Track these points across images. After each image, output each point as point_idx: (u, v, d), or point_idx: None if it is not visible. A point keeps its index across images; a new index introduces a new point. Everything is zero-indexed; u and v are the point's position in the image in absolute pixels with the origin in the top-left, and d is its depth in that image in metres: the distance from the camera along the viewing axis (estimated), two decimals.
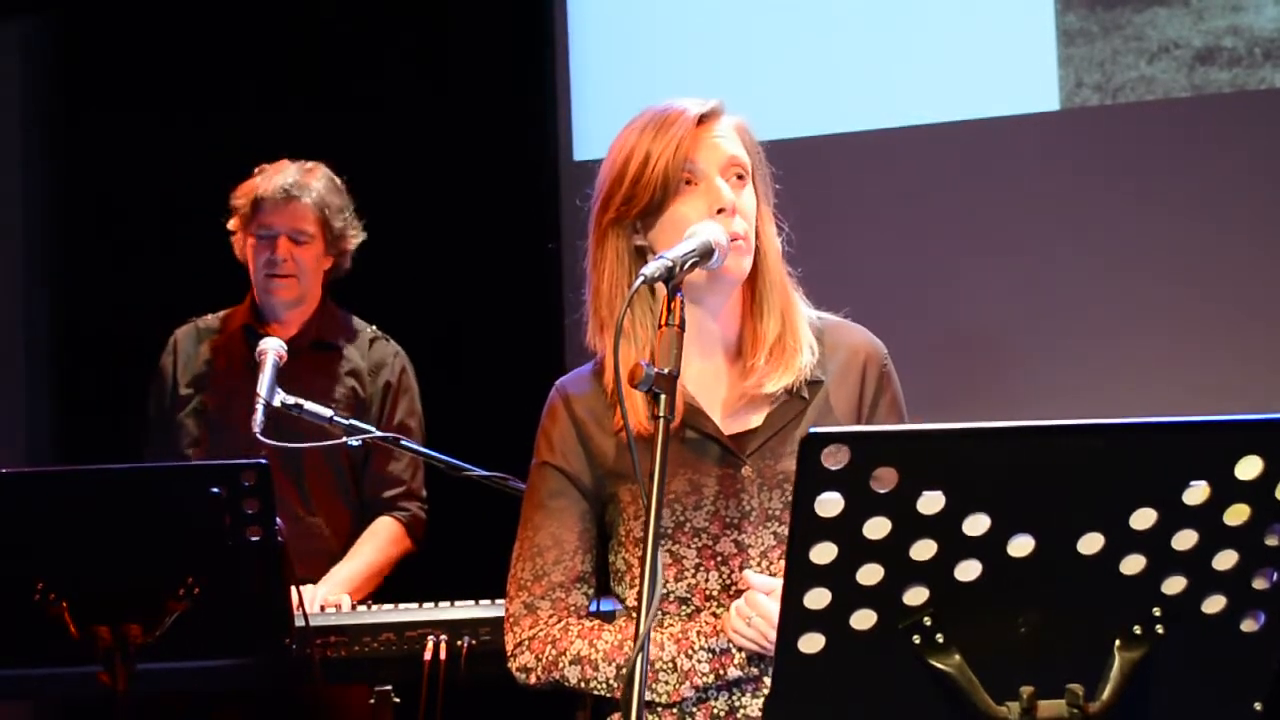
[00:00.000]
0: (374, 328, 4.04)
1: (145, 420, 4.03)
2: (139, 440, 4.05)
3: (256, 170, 3.96)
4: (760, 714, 2.36)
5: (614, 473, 2.44)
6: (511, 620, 2.47)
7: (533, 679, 2.44)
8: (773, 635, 2.25)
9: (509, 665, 2.47)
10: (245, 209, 3.92)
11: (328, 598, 3.65)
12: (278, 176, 3.91)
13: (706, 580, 2.40)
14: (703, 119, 2.42)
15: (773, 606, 2.26)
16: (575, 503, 2.47)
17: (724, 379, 2.47)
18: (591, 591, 2.48)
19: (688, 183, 2.39)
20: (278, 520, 2.84)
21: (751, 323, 2.46)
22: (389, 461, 3.92)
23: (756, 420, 2.44)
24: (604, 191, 2.43)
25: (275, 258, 3.88)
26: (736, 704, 2.38)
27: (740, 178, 2.42)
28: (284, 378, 3.66)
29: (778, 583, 2.28)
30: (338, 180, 3.98)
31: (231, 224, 3.98)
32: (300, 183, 3.89)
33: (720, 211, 2.37)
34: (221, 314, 4.04)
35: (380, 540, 3.91)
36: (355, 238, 3.99)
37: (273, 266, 3.88)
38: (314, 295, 3.96)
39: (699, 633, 2.37)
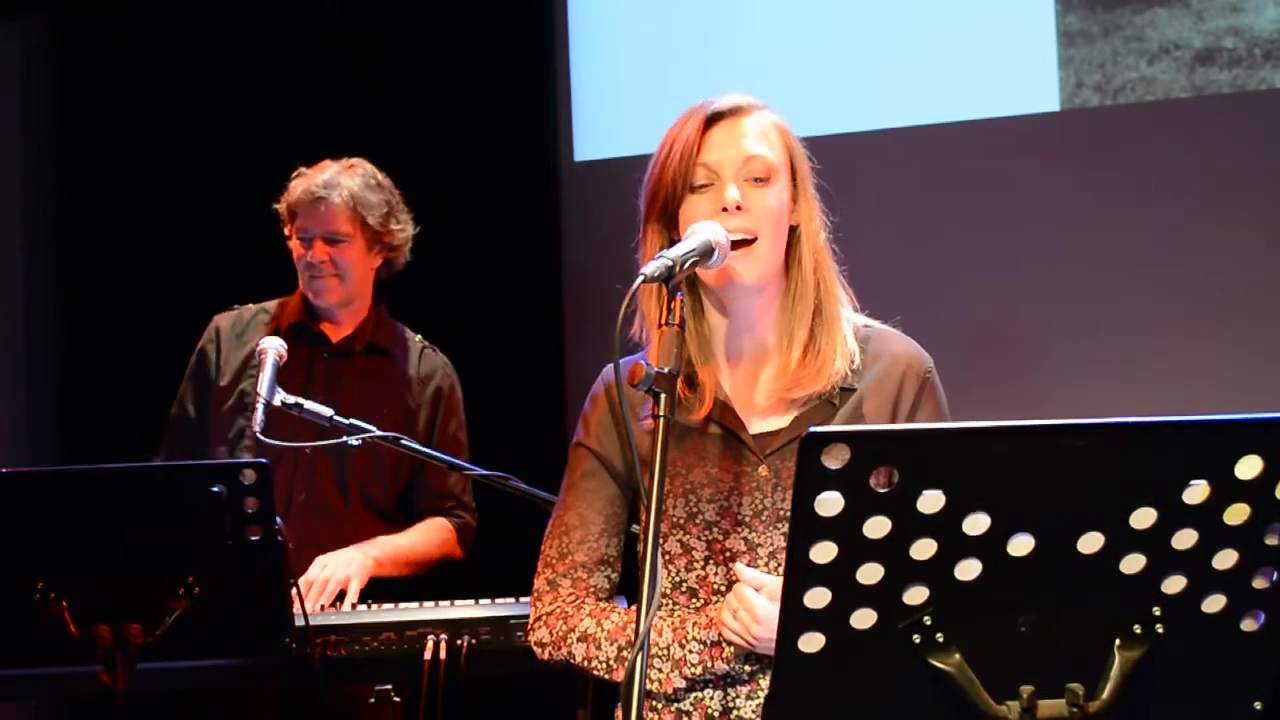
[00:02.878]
0: (421, 338, 4.02)
1: (175, 410, 3.93)
2: (155, 434, 3.96)
3: (295, 173, 3.92)
4: (754, 714, 2.37)
5: (645, 462, 2.45)
6: (535, 595, 2.51)
7: (546, 654, 2.48)
8: (755, 630, 2.28)
9: (528, 638, 2.52)
10: (285, 212, 3.90)
11: (354, 562, 3.63)
12: (309, 179, 3.87)
13: (715, 574, 2.41)
14: (721, 117, 2.42)
15: (758, 601, 2.28)
16: (605, 485, 2.50)
17: (758, 380, 2.48)
18: (615, 575, 2.50)
19: (701, 183, 2.40)
20: (278, 519, 2.84)
21: (787, 324, 2.46)
22: (444, 478, 3.89)
23: (783, 422, 2.45)
24: (643, 188, 2.47)
25: (313, 260, 3.85)
26: (731, 704, 2.39)
27: (759, 179, 2.42)
28: (337, 382, 3.67)
29: (767, 579, 2.31)
30: (379, 176, 3.93)
31: (286, 229, 3.95)
32: (330, 182, 3.85)
33: (723, 211, 2.37)
34: (270, 304, 3.98)
35: (431, 533, 3.87)
36: (402, 232, 3.94)
37: (311, 269, 3.85)
38: (364, 296, 3.93)
39: (695, 624, 2.39)
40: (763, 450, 2.43)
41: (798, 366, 2.43)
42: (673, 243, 2.40)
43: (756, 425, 2.45)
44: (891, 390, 2.47)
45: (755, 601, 2.29)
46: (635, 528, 2.53)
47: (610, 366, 2.55)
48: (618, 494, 2.50)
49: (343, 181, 3.87)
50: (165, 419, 3.96)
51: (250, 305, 3.99)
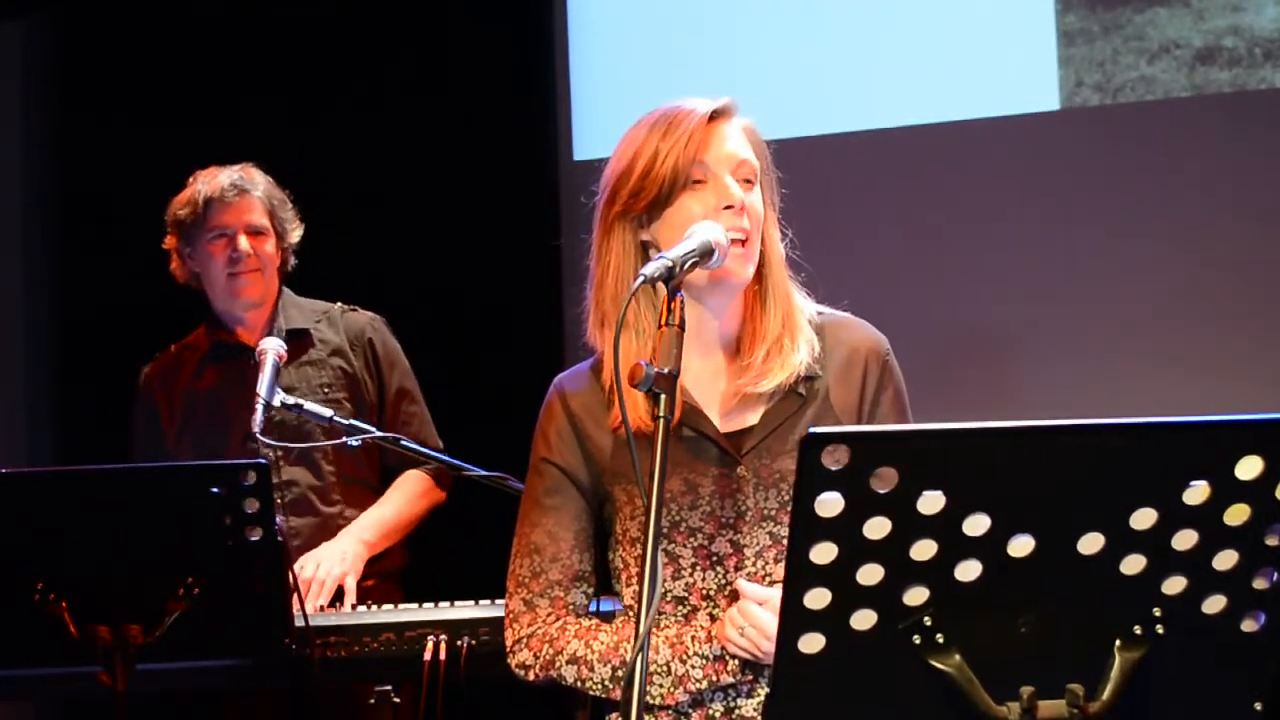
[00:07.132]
0: (340, 303, 4.01)
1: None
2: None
3: (189, 180, 3.93)
4: (755, 712, 2.37)
5: (610, 470, 2.44)
6: (511, 616, 2.47)
7: (531, 675, 2.45)
8: (765, 646, 2.26)
9: (508, 660, 2.48)
10: (190, 215, 3.87)
11: (347, 553, 3.65)
12: (220, 177, 3.88)
13: (703, 580, 2.40)
14: (714, 116, 2.41)
15: (765, 617, 2.27)
16: (572, 501, 2.47)
17: (720, 376, 2.46)
18: (591, 590, 2.48)
19: (696, 180, 2.38)
20: (278, 519, 2.84)
21: (752, 323, 2.45)
22: (407, 430, 3.88)
23: (753, 418, 2.43)
24: (611, 185, 2.43)
25: (237, 254, 3.83)
26: (732, 705, 2.38)
27: (748, 181, 2.41)
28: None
29: (771, 592, 2.29)
30: (270, 178, 3.96)
31: (168, 243, 3.93)
32: (245, 178, 3.88)
33: (728, 208, 2.36)
34: (182, 343, 3.99)
35: (410, 489, 3.89)
36: (297, 231, 3.95)
37: (236, 264, 3.83)
38: (273, 291, 3.93)
39: (693, 638, 2.37)
40: (738, 450, 2.42)
41: (762, 362, 2.42)
42: (643, 243, 2.40)
43: (726, 424, 2.43)
44: (857, 377, 2.46)
45: (763, 619, 2.27)
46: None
47: (562, 376, 2.55)
48: (585, 508, 2.47)
49: (255, 177, 3.90)
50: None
51: (170, 348, 3.99)
